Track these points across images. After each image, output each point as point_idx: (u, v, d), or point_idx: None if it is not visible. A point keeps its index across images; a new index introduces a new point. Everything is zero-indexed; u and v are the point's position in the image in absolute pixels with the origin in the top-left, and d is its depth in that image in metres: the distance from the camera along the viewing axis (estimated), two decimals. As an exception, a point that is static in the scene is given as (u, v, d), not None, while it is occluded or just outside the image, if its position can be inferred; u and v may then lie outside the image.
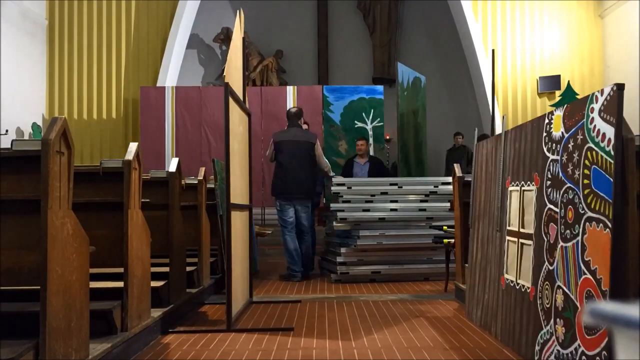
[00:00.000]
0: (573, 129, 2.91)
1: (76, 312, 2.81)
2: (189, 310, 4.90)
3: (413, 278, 6.63)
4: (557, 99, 10.79)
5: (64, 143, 2.74)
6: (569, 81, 10.75)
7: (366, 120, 10.20)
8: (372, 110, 10.22)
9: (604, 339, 2.48)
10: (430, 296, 5.63)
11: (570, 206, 2.87)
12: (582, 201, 2.75)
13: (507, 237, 3.75)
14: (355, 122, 10.20)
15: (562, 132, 3.01)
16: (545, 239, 3.14)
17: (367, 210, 6.70)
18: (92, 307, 3.05)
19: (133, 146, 3.75)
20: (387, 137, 11.66)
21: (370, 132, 10.18)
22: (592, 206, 2.66)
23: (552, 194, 3.09)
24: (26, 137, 9.75)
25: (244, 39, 5.35)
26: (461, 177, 5.35)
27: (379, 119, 10.21)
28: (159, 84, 10.64)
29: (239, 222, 4.82)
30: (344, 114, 10.17)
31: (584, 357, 2.63)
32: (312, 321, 4.50)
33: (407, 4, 13.54)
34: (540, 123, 3.30)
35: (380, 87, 10.51)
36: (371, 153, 9.38)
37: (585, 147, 2.76)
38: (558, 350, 2.88)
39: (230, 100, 4.41)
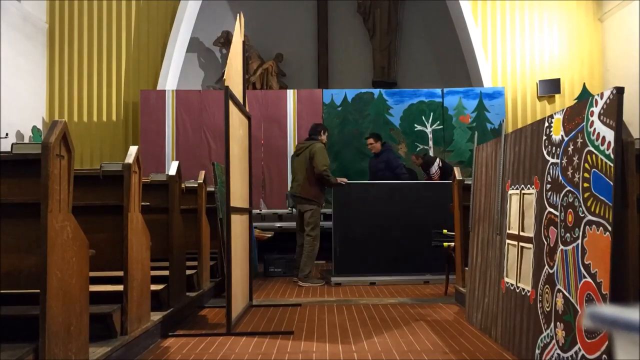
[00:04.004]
0: (573, 133, 2.91)
1: (76, 315, 2.81)
2: (189, 313, 4.90)
3: (413, 281, 6.63)
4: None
5: (64, 146, 2.74)
6: (584, 83, 10.74)
7: (425, 123, 10.27)
8: (432, 114, 10.32)
9: (604, 342, 2.48)
10: (430, 299, 5.63)
11: (570, 209, 2.87)
12: (582, 204, 2.75)
13: (507, 241, 3.75)
14: (415, 125, 10.29)
15: (562, 136, 3.01)
16: (545, 243, 3.14)
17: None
18: (91, 311, 3.05)
19: (133, 149, 3.75)
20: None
21: (430, 135, 10.26)
22: (592, 209, 2.66)
23: (552, 197, 3.09)
24: (26, 140, 9.75)
25: (244, 42, 5.35)
26: (461, 181, 5.35)
27: (438, 121, 10.29)
28: (159, 87, 10.63)
29: (239, 226, 4.82)
30: (403, 117, 10.24)
31: (584, 361, 2.62)
32: (312, 325, 4.50)
33: (407, 8, 13.55)
34: (540, 126, 3.30)
35: (438, 91, 10.51)
36: (431, 155, 9.72)
37: (585, 151, 2.76)
38: (558, 354, 2.88)
39: (231, 103, 4.41)
